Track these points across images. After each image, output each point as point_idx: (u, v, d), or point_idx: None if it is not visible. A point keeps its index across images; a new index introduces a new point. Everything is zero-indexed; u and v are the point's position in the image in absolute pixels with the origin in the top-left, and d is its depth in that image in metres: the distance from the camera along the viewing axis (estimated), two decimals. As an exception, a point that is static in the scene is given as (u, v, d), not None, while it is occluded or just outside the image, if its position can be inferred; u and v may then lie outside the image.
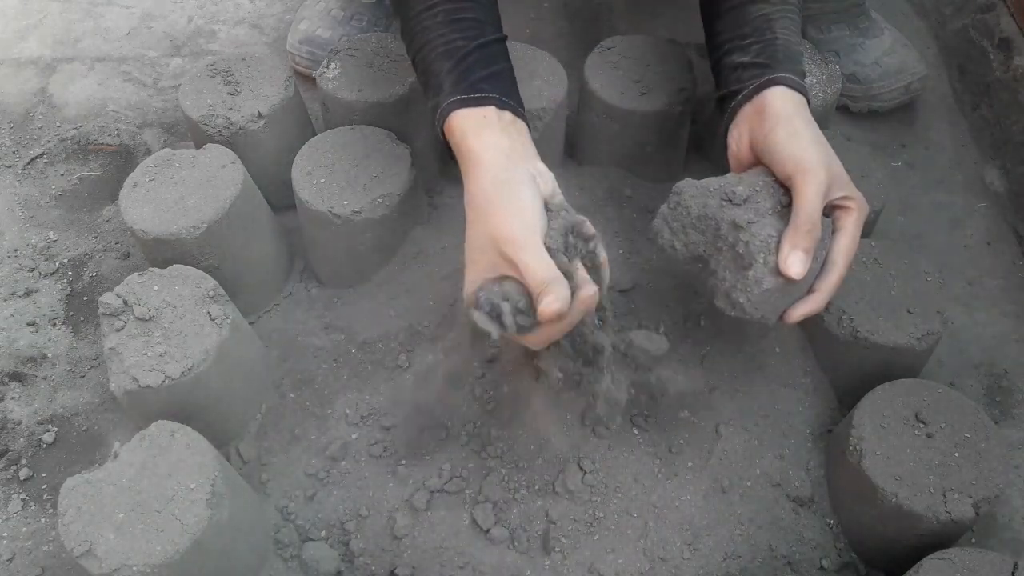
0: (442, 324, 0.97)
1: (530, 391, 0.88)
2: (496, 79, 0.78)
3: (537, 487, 0.86)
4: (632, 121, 1.04)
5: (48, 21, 1.38)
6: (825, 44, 1.18)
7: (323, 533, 0.85)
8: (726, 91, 0.83)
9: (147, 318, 0.83)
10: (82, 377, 0.98)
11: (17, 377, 0.98)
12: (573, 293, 0.70)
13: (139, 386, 0.80)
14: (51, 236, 1.11)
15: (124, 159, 1.20)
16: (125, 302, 0.84)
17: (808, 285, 0.76)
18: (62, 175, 1.17)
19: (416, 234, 1.04)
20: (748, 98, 0.79)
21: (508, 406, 0.89)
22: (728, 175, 0.78)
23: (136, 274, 0.87)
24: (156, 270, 0.87)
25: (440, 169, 1.12)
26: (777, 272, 0.72)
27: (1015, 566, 0.71)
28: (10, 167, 1.18)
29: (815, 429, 0.91)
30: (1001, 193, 1.15)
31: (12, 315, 1.03)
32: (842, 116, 1.21)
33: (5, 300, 1.04)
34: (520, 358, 0.88)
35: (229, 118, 1.00)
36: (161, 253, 0.91)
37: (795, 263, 0.71)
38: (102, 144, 1.21)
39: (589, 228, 0.74)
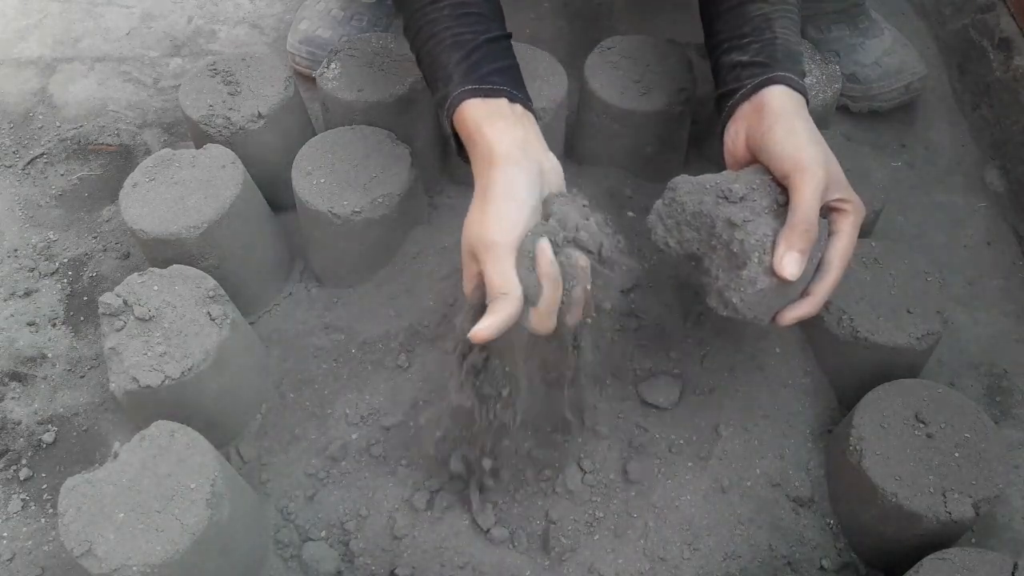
0: (442, 324, 0.97)
1: (529, 390, 0.88)
2: (505, 73, 0.78)
3: (537, 487, 0.86)
4: (632, 121, 1.04)
5: (48, 21, 1.38)
6: (825, 44, 1.18)
7: (323, 533, 0.85)
8: (724, 90, 0.82)
9: (147, 318, 0.83)
10: (82, 377, 0.98)
11: (17, 377, 0.98)
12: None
13: (139, 386, 0.80)
14: (51, 236, 1.11)
15: (124, 159, 1.20)
16: (125, 302, 0.84)
17: (803, 287, 0.74)
18: (62, 175, 1.17)
19: (416, 234, 1.04)
20: (746, 96, 0.78)
21: (507, 405, 0.89)
22: (725, 172, 0.77)
23: (136, 274, 0.87)
24: (156, 270, 0.87)
25: (440, 169, 1.12)
26: (772, 272, 0.71)
27: (1015, 566, 0.71)
28: (10, 167, 1.18)
29: (815, 429, 0.91)
30: (1001, 193, 1.15)
31: (12, 315, 1.03)
32: (842, 116, 1.21)
33: (5, 300, 1.04)
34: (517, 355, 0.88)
35: (229, 118, 1.00)
36: (161, 253, 0.91)
37: (790, 264, 0.70)
38: (102, 144, 1.21)
39: (582, 261, 0.70)
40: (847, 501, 0.84)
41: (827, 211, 0.75)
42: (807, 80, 1.07)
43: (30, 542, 0.87)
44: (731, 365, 0.93)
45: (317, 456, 0.89)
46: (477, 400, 0.76)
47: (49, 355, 1.00)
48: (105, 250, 1.09)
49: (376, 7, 1.25)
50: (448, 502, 0.86)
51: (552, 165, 0.74)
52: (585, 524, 0.84)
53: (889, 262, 0.91)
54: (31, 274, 1.07)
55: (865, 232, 0.98)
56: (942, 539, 0.77)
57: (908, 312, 0.87)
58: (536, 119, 0.78)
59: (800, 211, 0.71)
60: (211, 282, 0.87)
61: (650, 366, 0.93)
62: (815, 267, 0.74)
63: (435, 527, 0.84)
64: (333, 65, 1.04)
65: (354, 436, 0.90)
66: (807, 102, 0.78)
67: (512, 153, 0.72)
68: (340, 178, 0.95)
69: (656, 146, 1.07)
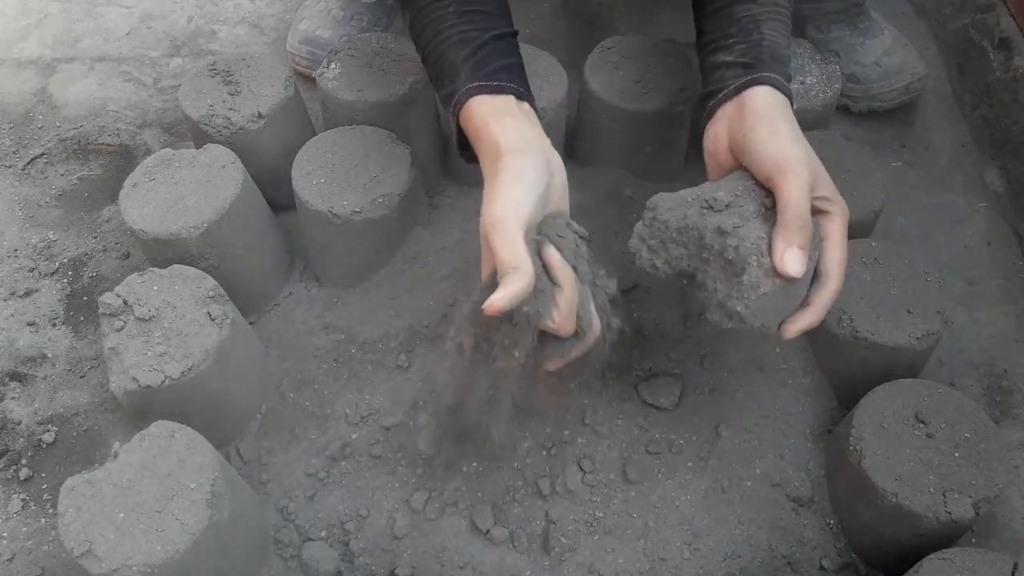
0: (442, 324, 0.97)
1: (530, 388, 0.88)
2: (511, 71, 0.78)
3: (537, 487, 0.86)
4: (632, 121, 1.04)
5: (48, 21, 1.38)
6: (825, 44, 1.18)
7: (323, 533, 0.85)
8: (707, 90, 0.80)
9: (147, 318, 0.83)
10: (82, 377, 0.98)
11: (17, 377, 0.98)
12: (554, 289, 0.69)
13: (139, 386, 0.80)
14: (51, 236, 1.11)
15: (124, 159, 1.20)
16: (125, 302, 0.84)
17: (805, 290, 0.72)
18: (62, 175, 1.18)
19: (416, 234, 1.04)
20: (729, 97, 0.76)
21: (508, 405, 0.89)
22: (704, 184, 0.75)
23: (136, 274, 0.87)
24: (156, 270, 0.87)
25: (440, 169, 1.12)
26: (773, 274, 0.68)
27: (1015, 566, 0.71)
28: (10, 167, 1.18)
29: (815, 429, 0.91)
30: (1001, 193, 1.15)
31: (12, 315, 1.03)
32: (842, 116, 1.21)
33: (5, 300, 1.04)
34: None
35: (229, 118, 1.00)
36: (161, 253, 0.91)
37: (792, 260, 0.67)
38: (102, 144, 1.21)
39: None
40: (847, 501, 0.84)
41: (813, 212, 0.72)
42: (807, 80, 1.07)
43: (30, 542, 0.87)
44: (731, 365, 0.93)
45: (317, 456, 0.89)
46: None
47: (49, 355, 1.00)
48: (105, 250, 1.09)
49: (376, 7, 1.25)
50: (447, 502, 0.86)
51: (558, 163, 0.74)
52: (585, 524, 0.84)
53: (889, 262, 0.91)
54: (31, 274, 1.07)
55: (865, 232, 0.98)
56: (942, 539, 0.77)
57: (908, 312, 0.87)
58: (538, 119, 0.78)
59: (791, 208, 0.68)
60: (211, 282, 0.87)
61: (650, 366, 0.93)
62: (812, 271, 0.72)
63: (435, 527, 0.84)
64: (333, 65, 1.04)
65: (354, 436, 0.90)
66: (792, 104, 0.76)
67: (520, 146, 0.72)
68: (340, 178, 0.95)
69: (656, 146, 1.07)
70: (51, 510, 0.88)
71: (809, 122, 1.05)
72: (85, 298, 1.05)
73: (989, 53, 1.20)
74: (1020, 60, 1.14)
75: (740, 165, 0.75)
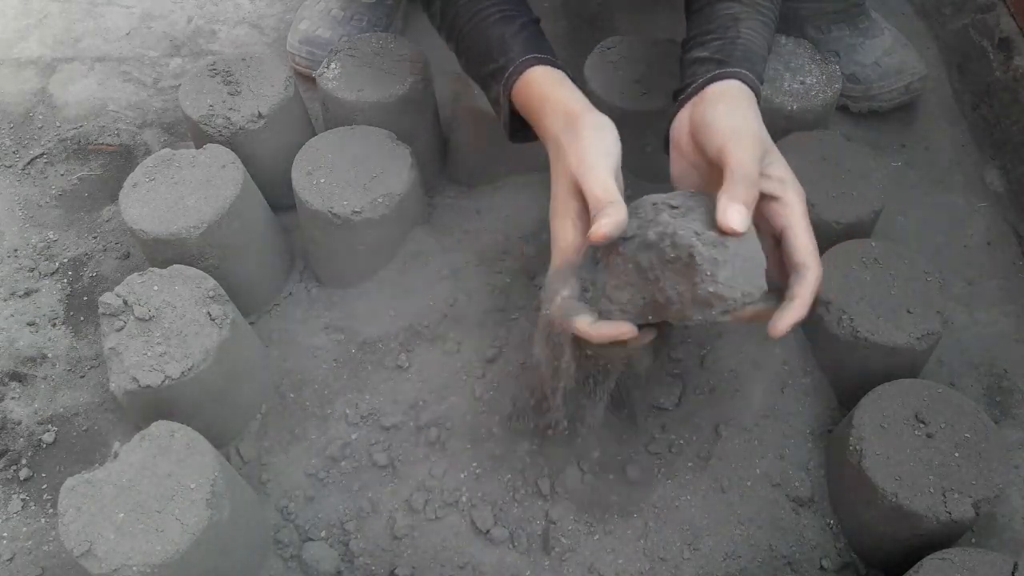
0: (442, 324, 0.97)
1: (529, 388, 0.88)
2: (555, 54, 0.80)
3: (537, 487, 0.86)
4: (632, 121, 1.03)
5: (48, 21, 1.38)
6: (825, 44, 1.18)
7: (323, 533, 0.85)
8: (679, 86, 0.80)
9: (147, 318, 0.83)
10: (82, 377, 0.98)
11: (17, 377, 0.98)
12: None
13: (139, 386, 0.80)
14: (51, 236, 1.11)
15: (124, 159, 1.20)
16: (125, 302, 0.84)
17: (761, 245, 0.67)
18: (62, 175, 1.18)
19: (416, 234, 1.04)
20: (697, 91, 0.75)
21: (507, 405, 0.89)
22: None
23: (136, 274, 0.87)
24: (156, 270, 0.87)
25: (440, 169, 1.12)
26: (721, 242, 0.63)
27: (1015, 566, 0.71)
28: (10, 167, 1.18)
29: (815, 429, 0.91)
30: (1001, 193, 1.15)
31: (12, 315, 1.03)
32: (842, 116, 1.21)
33: (5, 300, 1.04)
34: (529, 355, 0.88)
35: (229, 118, 1.00)
36: (161, 253, 0.91)
37: (734, 214, 0.63)
38: (102, 144, 1.21)
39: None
40: (847, 501, 0.84)
41: (765, 197, 0.69)
42: (807, 80, 1.07)
43: (30, 542, 0.87)
44: (731, 365, 0.93)
45: (317, 456, 0.89)
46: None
47: (49, 355, 1.00)
48: (105, 250, 1.09)
49: (376, 7, 1.25)
50: (447, 502, 0.86)
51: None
52: (585, 524, 0.84)
53: (889, 262, 0.91)
54: (31, 274, 1.07)
55: (865, 232, 0.98)
56: (942, 539, 0.77)
57: (908, 312, 0.87)
58: None
59: (738, 169, 0.66)
60: (211, 282, 0.87)
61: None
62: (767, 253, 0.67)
63: (435, 527, 0.84)
64: (333, 65, 1.04)
65: (354, 436, 0.90)
66: (759, 100, 0.75)
67: (589, 109, 0.74)
68: (340, 178, 0.95)
69: (656, 146, 1.07)
70: (51, 510, 0.88)
71: (809, 122, 1.05)
72: (85, 298, 1.05)
73: (989, 53, 1.20)
74: (1020, 60, 1.14)
75: (700, 151, 0.73)
